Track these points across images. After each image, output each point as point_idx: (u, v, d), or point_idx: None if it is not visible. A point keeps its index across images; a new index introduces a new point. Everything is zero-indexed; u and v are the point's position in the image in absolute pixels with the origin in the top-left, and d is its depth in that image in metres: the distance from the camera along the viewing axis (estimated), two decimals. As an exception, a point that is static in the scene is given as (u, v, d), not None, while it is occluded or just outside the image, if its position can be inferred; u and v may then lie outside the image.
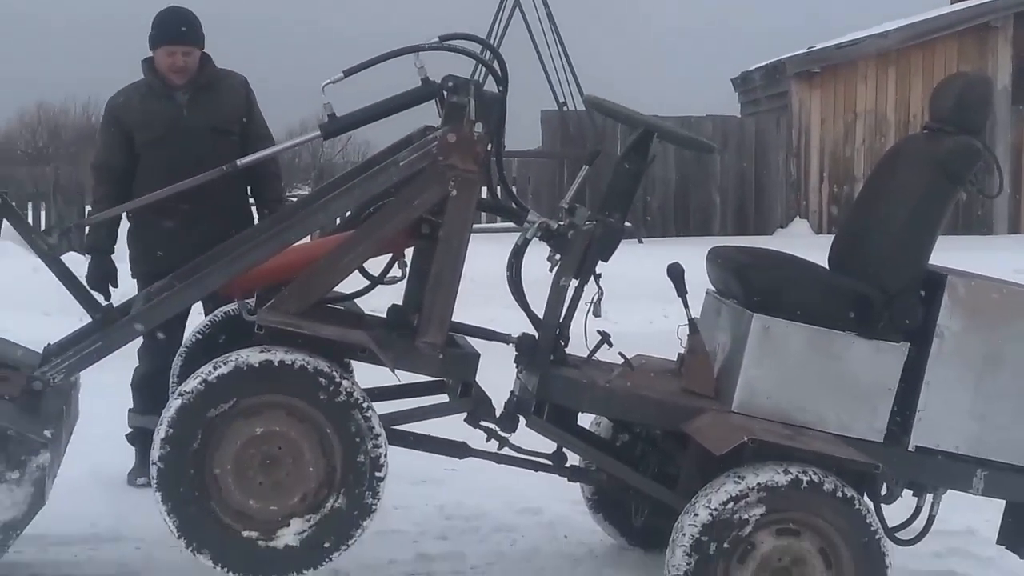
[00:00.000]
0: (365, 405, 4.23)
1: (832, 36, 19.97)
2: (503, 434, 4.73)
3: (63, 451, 4.67)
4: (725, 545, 4.20)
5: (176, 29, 5.96)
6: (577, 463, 5.02)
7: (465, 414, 4.71)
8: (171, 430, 4.11)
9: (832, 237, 5.26)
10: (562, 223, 4.64)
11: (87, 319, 4.65)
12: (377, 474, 4.24)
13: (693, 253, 5.39)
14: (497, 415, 4.69)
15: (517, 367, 4.85)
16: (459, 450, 4.81)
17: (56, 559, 5.14)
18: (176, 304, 4.47)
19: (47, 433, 4.16)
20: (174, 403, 4.15)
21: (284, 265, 4.54)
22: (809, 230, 18.22)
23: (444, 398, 4.93)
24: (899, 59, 18.29)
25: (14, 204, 4.56)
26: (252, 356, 4.17)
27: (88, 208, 6.19)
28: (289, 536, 4.23)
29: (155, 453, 4.12)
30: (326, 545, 4.24)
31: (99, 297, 5.08)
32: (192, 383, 4.15)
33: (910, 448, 4.53)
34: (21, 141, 45.94)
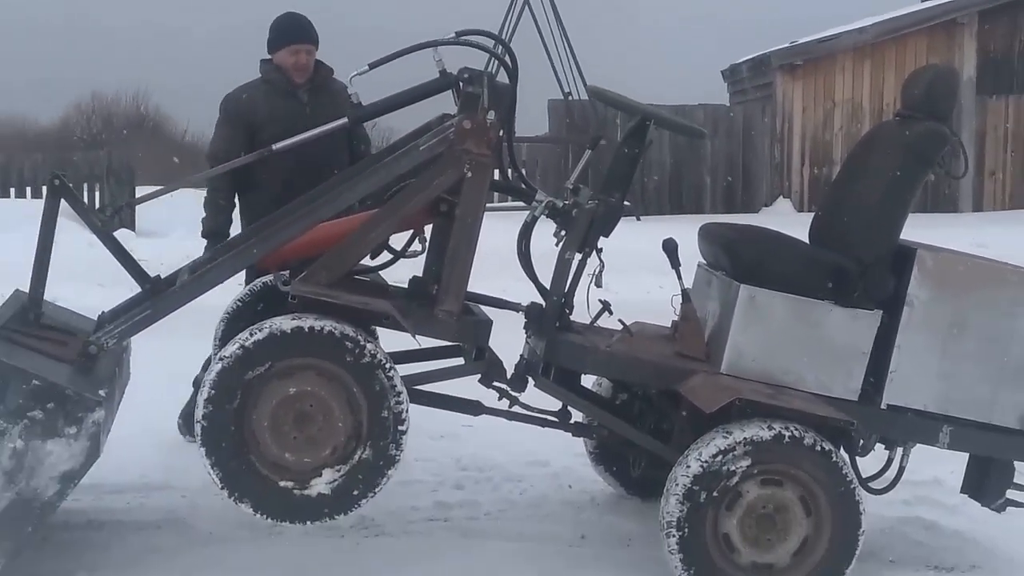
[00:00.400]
0: (388, 366, 4.24)
1: (814, 30, 19.88)
2: (513, 393, 4.76)
3: (116, 408, 4.70)
4: (714, 494, 4.22)
5: (300, 30, 5.93)
6: (580, 420, 5.03)
7: (479, 375, 4.73)
8: (213, 391, 4.12)
9: (812, 214, 5.25)
10: (567, 202, 4.65)
11: (137, 289, 4.66)
12: (400, 428, 4.25)
13: (686, 229, 5.38)
14: (508, 376, 4.71)
15: (526, 333, 4.86)
16: (474, 408, 4.83)
17: (110, 506, 5.18)
18: (219, 276, 4.47)
19: (101, 392, 4.17)
20: (215, 367, 4.16)
21: (315, 240, 4.55)
22: (791, 208, 18.16)
23: (460, 361, 4.93)
24: (874, 52, 18.22)
25: (71, 185, 4.56)
26: (285, 323, 4.18)
27: (206, 196, 6.10)
28: (321, 485, 4.24)
29: (199, 412, 4.13)
30: (355, 493, 4.26)
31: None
32: (231, 348, 4.16)
33: (882, 406, 4.53)
34: (77, 128, 45.84)
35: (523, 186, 4.86)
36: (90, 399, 4.09)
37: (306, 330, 4.18)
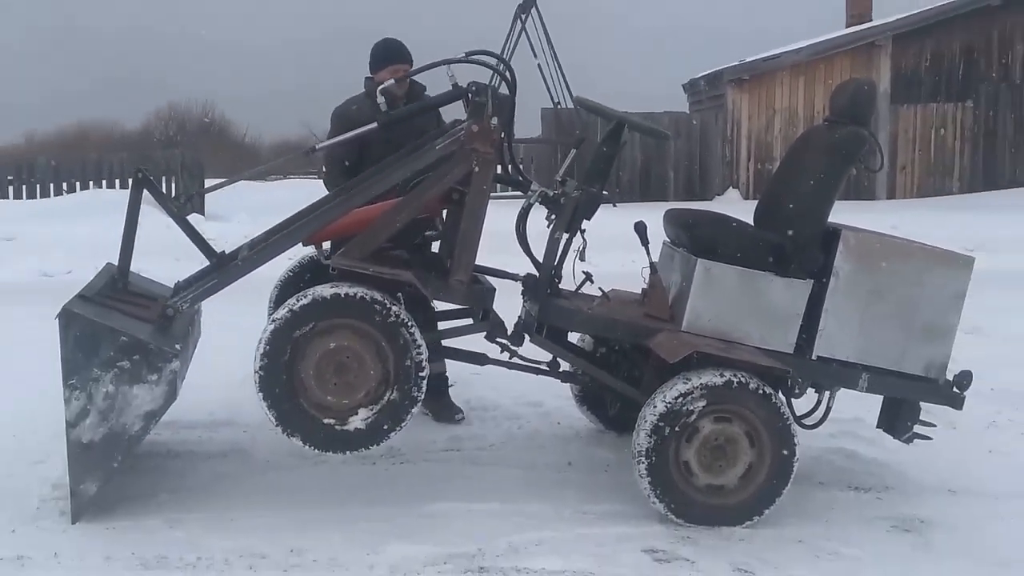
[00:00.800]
0: (410, 324, 4.24)
1: (758, 48, 19.80)
2: (513, 347, 4.76)
3: (189, 359, 4.71)
4: (676, 429, 4.24)
5: (397, 53, 5.72)
6: (568, 369, 5.04)
7: (485, 333, 4.73)
8: (267, 347, 4.13)
9: (756, 202, 5.23)
10: (557, 192, 4.63)
11: (206, 263, 4.65)
12: (421, 374, 4.26)
13: (653, 214, 5.37)
14: (508, 333, 4.70)
15: (523, 298, 4.85)
16: (480, 359, 4.84)
17: (185, 439, 5.22)
18: (273, 252, 4.47)
19: (177, 346, 4.18)
20: (268, 327, 4.16)
21: (352, 223, 4.54)
22: (739, 197, 18.12)
23: (469, 321, 4.93)
24: (807, 69, 18.16)
25: (151, 178, 4.56)
26: (325, 290, 4.18)
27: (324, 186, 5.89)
28: (357, 422, 4.26)
29: (256, 364, 4.14)
30: (385, 428, 4.27)
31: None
32: (282, 312, 4.16)
33: (813, 357, 4.54)
34: (156, 131, 45.94)
35: (520, 179, 4.84)
36: (168, 352, 4.11)
37: (343, 296, 4.18)
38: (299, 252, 5.33)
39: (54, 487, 4.48)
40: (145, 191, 4.48)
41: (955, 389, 4.64)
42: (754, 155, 18.34)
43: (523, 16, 5.05)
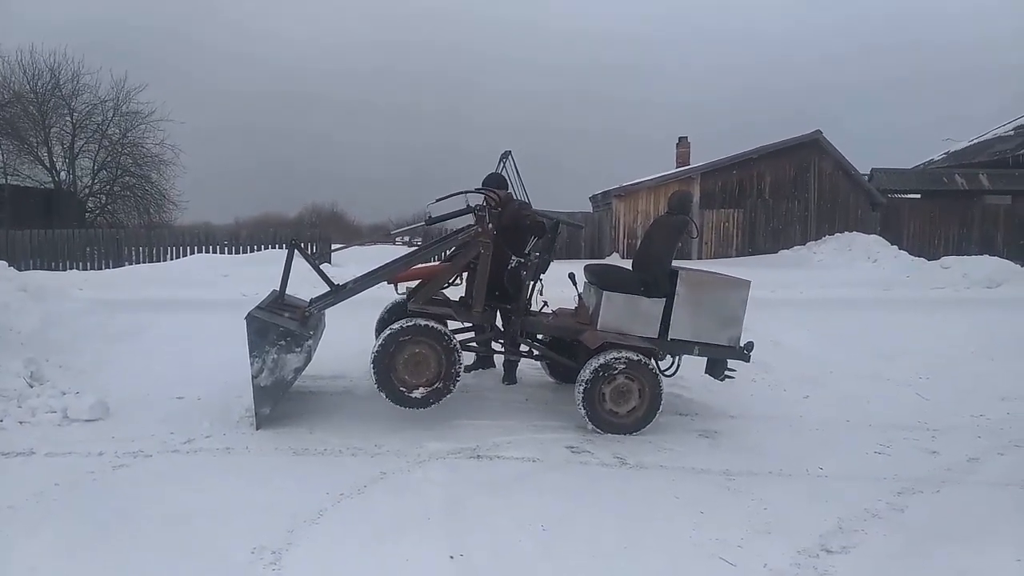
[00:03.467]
0: (453, 339, 4.19)
1: (631, 177, 19.95)
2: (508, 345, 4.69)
3: (318, 340, 4.63)
4: (591, 383, 4.21)
5: (491, 179, 4.97)
6: (538, 353, 4.99)
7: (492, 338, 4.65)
8: (378, 350, 4.11)
9: (631, 259, 5.23)
10: (527, 258, 4.62)
11: (327, 289, 4.53)
12: (457, 377, 4.21)
13: (577, 266, 5.35)
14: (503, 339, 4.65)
15: (511, 316, 4.82)
16: (488, 360, 4.76)
17: (316, 384, 5.03)
18: (366, 286, 4.37)
19: (310, 333, 4.12)
20: (378, 341, 4.13)
21: (413, 273, 4.51)
22: (619, 256, 18.08)
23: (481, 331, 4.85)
24: (656, 189, 18.25)
25: (300, 243, 4.50)
26: (403, 323, 4.15)
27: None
28: (417, 393, 4.19)
29: (371, 358, 4.10)
30: (430, 401, 4.20)
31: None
32: (385, 333, 4.15)
33: (669, 339, 4.51)
34: (306, 217, 44.39)
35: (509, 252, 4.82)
36: (306, 335, 4.05)
37: (413, 324, 4.14)
38: (389, 297, 5.25)
39: (246, 409, 4.39)
40: (296, 251, 4.42)
41: (745, 351, 4.60)
42: (626, 234, 18.38)
43: (504, 160, 5.07)
